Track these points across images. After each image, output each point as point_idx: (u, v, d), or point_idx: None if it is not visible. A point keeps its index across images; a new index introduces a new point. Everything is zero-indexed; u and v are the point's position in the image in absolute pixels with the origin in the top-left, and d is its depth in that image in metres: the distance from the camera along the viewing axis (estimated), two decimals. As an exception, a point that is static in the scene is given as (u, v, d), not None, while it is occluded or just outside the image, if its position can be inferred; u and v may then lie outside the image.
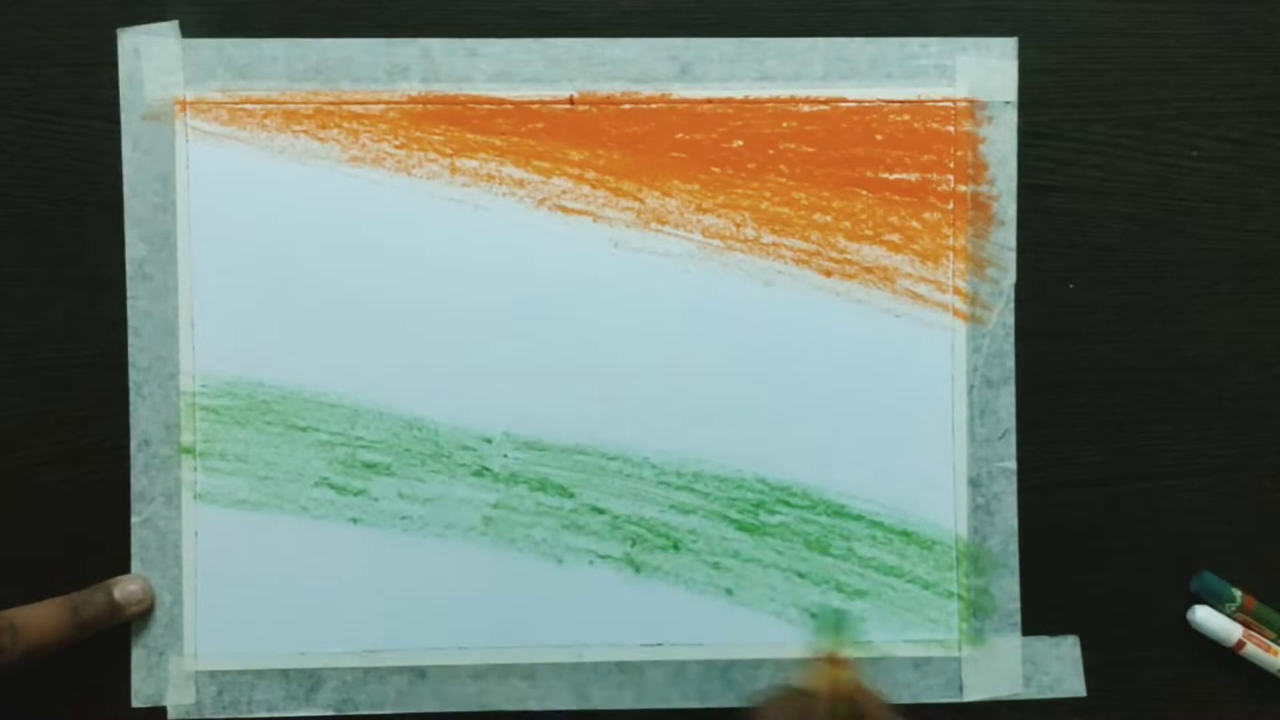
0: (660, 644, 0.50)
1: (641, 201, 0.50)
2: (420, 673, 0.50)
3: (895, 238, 0.51)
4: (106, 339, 0.50)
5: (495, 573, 0.50)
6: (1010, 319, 0.51)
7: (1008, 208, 0.51)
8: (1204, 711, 0.52)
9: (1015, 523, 0.51)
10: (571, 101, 0.50)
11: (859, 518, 0.51)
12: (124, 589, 0.48)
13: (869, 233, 0.51)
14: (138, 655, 0.49)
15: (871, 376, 0.51)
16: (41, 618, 0.46)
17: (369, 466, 0.50)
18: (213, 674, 0.50)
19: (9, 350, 0.50)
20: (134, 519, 0.50)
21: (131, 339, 0.50)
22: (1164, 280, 0.52)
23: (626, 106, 0.50)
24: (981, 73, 0.51)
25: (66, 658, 0.49)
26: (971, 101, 0.51)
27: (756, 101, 0.50)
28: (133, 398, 0.50)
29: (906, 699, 0.50)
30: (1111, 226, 0.52)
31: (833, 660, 0.45)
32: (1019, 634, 0.51)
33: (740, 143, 0.50)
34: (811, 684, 0.44)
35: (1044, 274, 0.51)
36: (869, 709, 0.43)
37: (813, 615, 0.50)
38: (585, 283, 0.50)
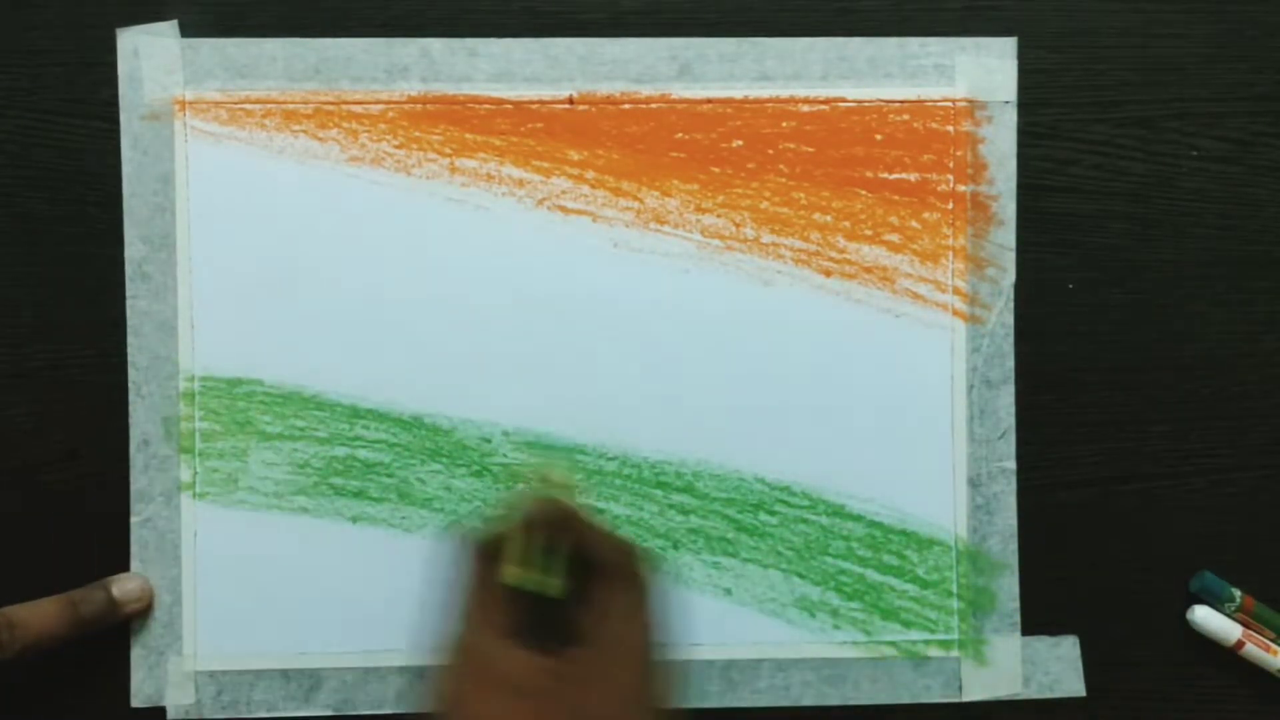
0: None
1: (641, 201, 0.50)
2: (420, 673, 0.50)
3: (895, 238, 0.51)
4: (106, 339, 0.50)
5: (495, 573, 0.50)
6: (1010, 319, 0.51)
7: (1007, 207, 0.51)
8: (1204, 711, 0.52)
9: (1015, 522, 0.51)
10: (571, 101, 0.50)
11: (858, 518, 0.51)
12: (123, 586, 0.49)
13: (869, 232, 0.51)
14: (137, 655, 0.49)
15: (871, 376, 0.51)
16: (40, 615, 0.46)
17: (368, 466, 0.50)
18: (212, 674, 0.50)
19: (9, 350, 0.50)
20: (134, 519, 0.50)
21: (131, 339, 0.50)
22: (1164, 280, 0.52)
23: (626, 106, 0.50)
24: (981, 72, 0.51)
25: (66, 658, 0.49)
26: (971, 101, 0.51)
27: (756, 101, 0.50)
28: (132, 397, 0.50)
29: (906, 699, 0.50)
30: (1111, 226, 0.52)
31: (550, 484, 0.40)
32: (1019, 634, 0.51)
33: (740, 142, 0.50)
34: (523, 512, 0.38)
35: (1044, 274, 0.51)
36: (590, 537, 0.38)
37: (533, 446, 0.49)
38: (584, 283, 0.50)
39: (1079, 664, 0.51)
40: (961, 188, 0.51)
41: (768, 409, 0.50)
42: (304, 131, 0.50)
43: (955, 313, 0.51)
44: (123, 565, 0.49)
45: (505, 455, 0.50)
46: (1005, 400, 0.51)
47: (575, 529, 0.39)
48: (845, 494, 0.51)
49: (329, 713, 0.50)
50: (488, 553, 0.38)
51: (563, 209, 0.50)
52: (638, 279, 0.50)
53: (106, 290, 0.50)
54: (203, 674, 0.50)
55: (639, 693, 0.37)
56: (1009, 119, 0.51)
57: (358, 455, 0.50)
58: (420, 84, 0.50)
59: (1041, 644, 0.51)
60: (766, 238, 0.50)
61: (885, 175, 0.51)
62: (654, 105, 0.50)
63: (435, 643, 0.38)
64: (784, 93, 0.50)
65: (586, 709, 0.36)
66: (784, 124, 0.50)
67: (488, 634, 0.37)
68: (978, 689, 0.51)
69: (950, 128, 0.51)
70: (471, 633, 0.37)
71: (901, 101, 0.51)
